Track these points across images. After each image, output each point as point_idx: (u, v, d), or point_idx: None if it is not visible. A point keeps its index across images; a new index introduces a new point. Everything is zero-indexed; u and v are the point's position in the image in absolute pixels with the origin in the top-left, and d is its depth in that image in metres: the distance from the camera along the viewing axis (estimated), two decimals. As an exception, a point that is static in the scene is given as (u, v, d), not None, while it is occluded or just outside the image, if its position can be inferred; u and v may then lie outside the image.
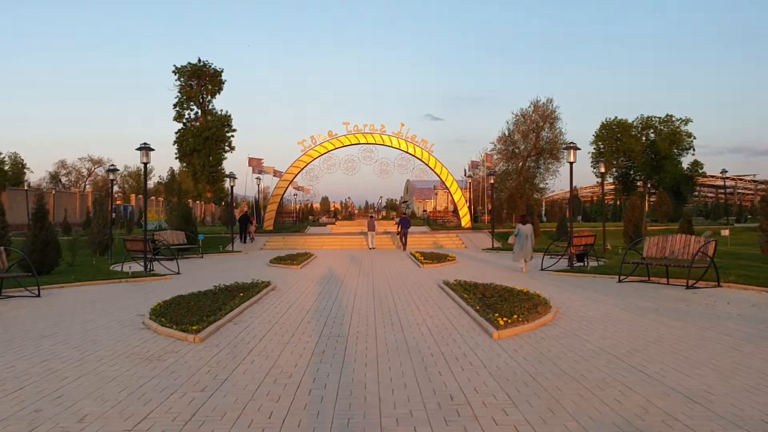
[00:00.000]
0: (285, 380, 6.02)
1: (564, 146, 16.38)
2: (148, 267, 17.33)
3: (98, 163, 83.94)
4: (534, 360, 6.78)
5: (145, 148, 16.50)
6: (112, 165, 23.07)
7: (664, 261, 14.17)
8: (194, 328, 8.12)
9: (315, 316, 9.88)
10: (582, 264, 18.17)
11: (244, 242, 31.93)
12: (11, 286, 13.12)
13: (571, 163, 17.22)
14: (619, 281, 14.42)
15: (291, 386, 5.80)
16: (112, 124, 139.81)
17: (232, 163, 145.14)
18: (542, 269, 17.46)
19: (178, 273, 17.23)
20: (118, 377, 6.17)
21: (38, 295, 12.47)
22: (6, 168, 52.83)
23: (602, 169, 22.23)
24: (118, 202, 58.17)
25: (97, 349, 7.52)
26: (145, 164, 16.63)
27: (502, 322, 8.29)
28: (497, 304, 9.78)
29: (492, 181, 30.96)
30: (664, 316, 9.54)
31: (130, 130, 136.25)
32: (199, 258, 24.13)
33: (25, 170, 68.01)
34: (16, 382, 6.01)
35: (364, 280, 15.50)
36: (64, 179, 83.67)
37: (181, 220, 26.99)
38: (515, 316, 8.62)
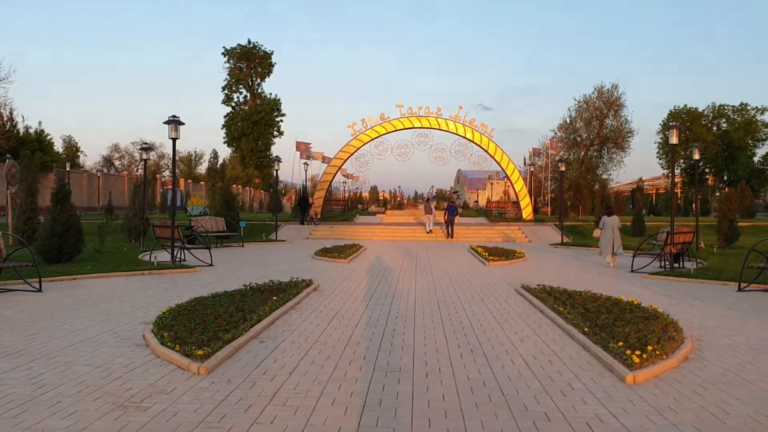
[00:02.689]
0: (320, 466, 3.68)
1: (669, 125, 13.64)
2: (178, 257, 15.34)
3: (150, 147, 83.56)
4: (714, 433, 4.27)
5: (174, 122, 14.40)
6: (146, 144, 21.21)
7: (801, 267, 11.32)
8: (200, 352, 5.85)
9: (366, 333, 7.52)
10: (677, 265, 15.37)
11: (304, 224, 31.45)
12: (13, 277, 11.22)
13: (673, 146, 14.39)
14: (739, 290, 11.65)
15: (329, 484, 3.45)
16: (166, 110, 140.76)
17: (281, 149, 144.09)
18: (632, 270, 14.75)
19: (211, 265, 15.17)
20: (63, 443, 3.96)
21: (39, 290, 10.52)
22: (58, 150, 52.27)
23: (696, 156, 19.08)
24: (168, 187, 57.31)
25: (63, 380, 5.34)
26: (174, 140, 14.52)
27: (636, 359, 5.74)
28: (610, 325, 7.23)
29: (562, 168, 28.01)
30: None
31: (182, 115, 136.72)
32: (239, 247, 22.14)
33: (79, 153, 68.03)
34: None
35: (423, 280, 13.08)
36: (116, 163, 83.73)
37: (223, 204, 25.11)
38: (650, 348, 6.06)
